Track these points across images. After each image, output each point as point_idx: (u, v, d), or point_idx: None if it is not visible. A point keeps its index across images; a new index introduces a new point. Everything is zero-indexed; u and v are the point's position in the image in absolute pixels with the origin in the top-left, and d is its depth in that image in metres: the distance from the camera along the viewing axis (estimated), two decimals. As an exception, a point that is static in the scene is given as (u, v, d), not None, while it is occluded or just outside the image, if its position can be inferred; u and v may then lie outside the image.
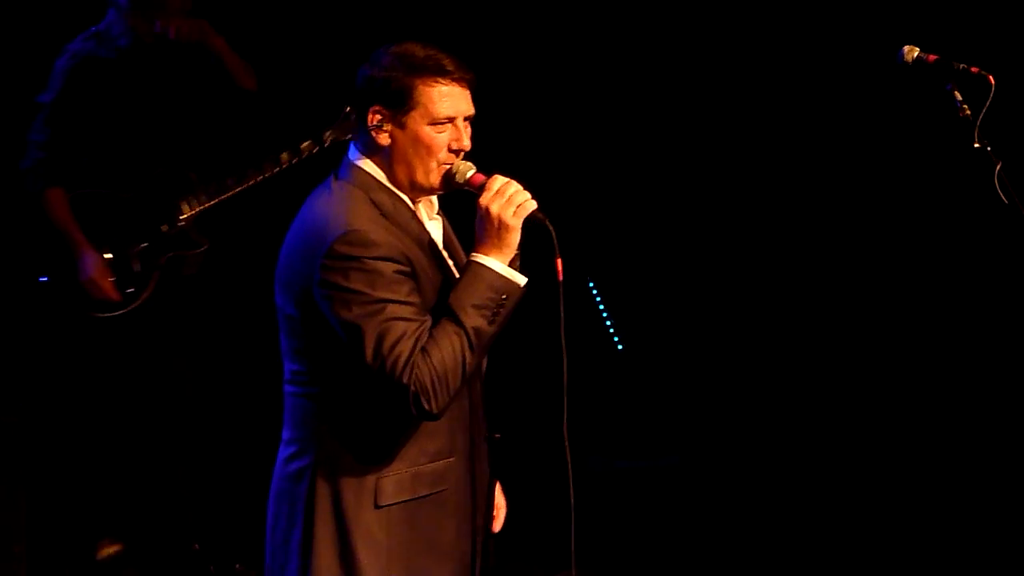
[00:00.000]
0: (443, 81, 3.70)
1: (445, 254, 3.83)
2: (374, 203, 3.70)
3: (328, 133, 5.58)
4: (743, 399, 6.16)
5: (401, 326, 3.61)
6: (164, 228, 5.67)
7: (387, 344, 3.60)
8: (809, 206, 6.27)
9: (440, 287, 3.74)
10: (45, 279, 5.59)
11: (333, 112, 5.51)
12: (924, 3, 6.35)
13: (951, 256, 6.40)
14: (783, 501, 5.74)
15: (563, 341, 3.69)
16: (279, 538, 3.81)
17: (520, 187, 3.72)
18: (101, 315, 5.62)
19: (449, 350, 3.63)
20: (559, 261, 3.71)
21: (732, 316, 6.48)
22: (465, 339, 3.65)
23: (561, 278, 3.71)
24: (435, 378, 3.62)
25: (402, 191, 3.77)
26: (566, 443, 3.73)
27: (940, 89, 4.59)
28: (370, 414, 3.71)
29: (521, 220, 3.70)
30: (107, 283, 5.64)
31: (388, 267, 3.63)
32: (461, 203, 3.82)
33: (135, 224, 5.70)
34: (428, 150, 3.72)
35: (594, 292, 6.59)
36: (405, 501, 3.75)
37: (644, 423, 5.21)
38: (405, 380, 3.60)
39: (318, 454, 3.73)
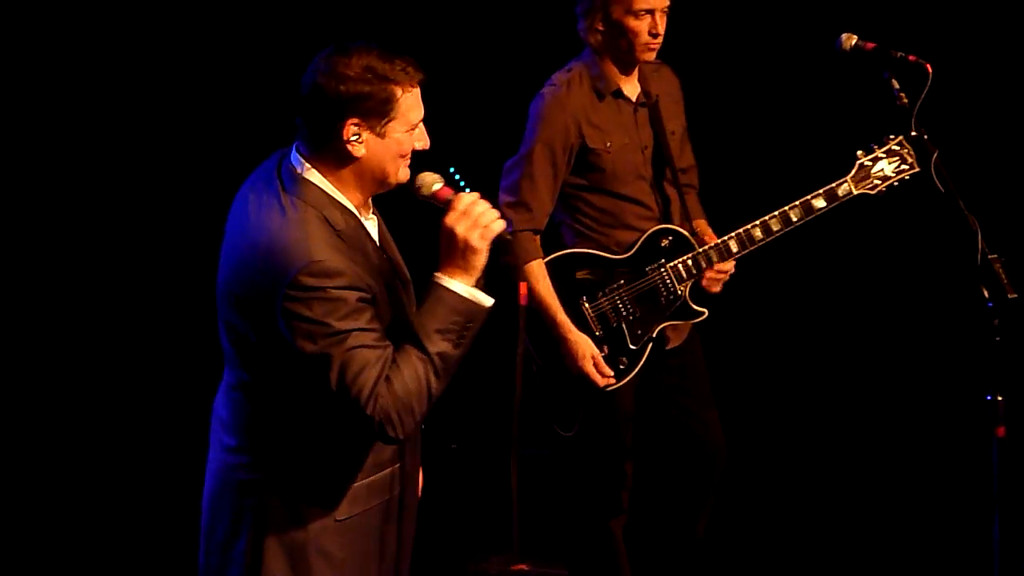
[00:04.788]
0: (415, 87, 3.64)
1: (390, 262, 3.76)
2: (328, 222, 3.61)
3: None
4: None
5: (363, 355, 3.53)
6: (662, 299, 5.07)
7: (350, 375, 3.52)
8: (746, 199, 6.27)
9: (393, 302, 3.68)
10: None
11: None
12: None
13: (889, 244, 6.42)
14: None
15: (518, 364, 3.74)
16: (217, 540, 3.74)
17: (487, 205, 3.62)
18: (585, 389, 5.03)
19: (413, 377, 3.56)
20: (523, 285, 3.71)
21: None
22: (430, 365, 3.57)
23: (524, 303, 3.71)
24: (400, 407, 3.55)
25: (353, 198, 3.68)
26: (514, 447, 3.78)
27: (878, 77, 4.60)
28: (329, 430, 3.65)
29: (488, 242, 3.61)
30: (602, 367, 5.01)
31: (351, 295, 3.54)
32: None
33: (630, 289, 5.06)
34: (402, 154, 3.65)
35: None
36: (359, 513, 3.71)
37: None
38: (369, 411, 3.53)
39: (272, 468, 3.66)
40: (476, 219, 3.59)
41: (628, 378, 5.01)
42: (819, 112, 6.36)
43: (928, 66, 4.53)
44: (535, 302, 4.95)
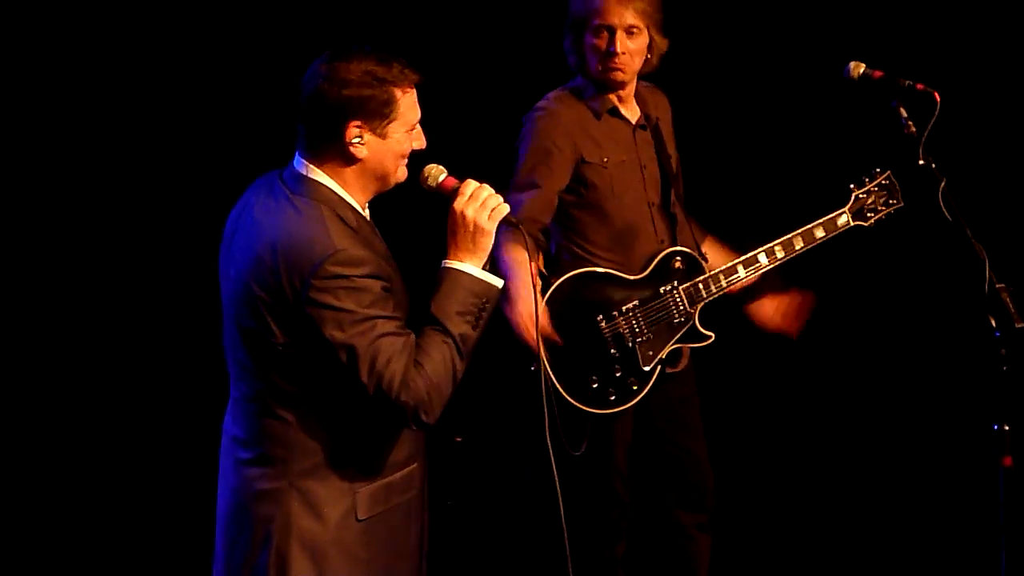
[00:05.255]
0: (412, 88, 3.76)
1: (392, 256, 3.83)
2: (341, 219, 3.71)
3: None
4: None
5: (392, 343, 3.62)
6: (676, 320, 5.04)
7: (381, 362, 3.60)
8: (751, 221, 6.26)
9: (403, 293, 3.76)
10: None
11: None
12: (870, 20, 6.36)
13: (897, 273, 6.41)
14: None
15: (539, 343, 3.89)
16: (238, 559, 3.76)
17: (492, 190, 3.77)
18: (595, 411, 4.99)
19: (440, 360, 3.66)
20: (533, 265, 3.88)
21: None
22: (454, 347, 3.68)
23: (537, 282, 3.80)
24: (430, 390, 3.64)
25: (357, 198, 3.77)
26: (549, 448, 3.87)
27: (886, 105, 4.60)
28: (349, 430, 3.71)
29: (495, 224, 3.75)
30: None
31: (375, 284, 3.64)
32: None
33: (645, 310, 5.05)
34: (402, 154, 3.76)
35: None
36: (380, 512, 3.76)
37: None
38: (403, 398, 3.61)
39: (293, 474, 3.71)
40: (484, 201, 3.74)
41: (636, 400, 5.01)
42: (827, 139, 6.35)
43: (936, 95, 4.54)
44: (503, 269, 4.81)
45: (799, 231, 5.10)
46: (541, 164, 4.97)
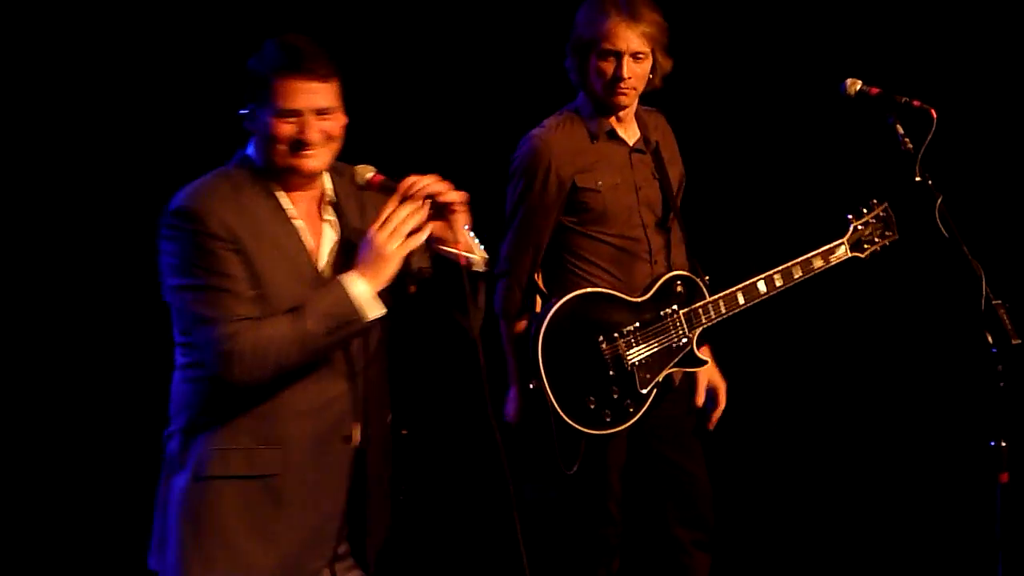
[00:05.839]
0: (292, 75, 3.78)
1: (311, 243, 3.87)
2: (235, 184, 3.83)
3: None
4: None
5: (224, 299, 3.73)
6: (672, 345, 5.06)
7: (211, 310, 3.73)
8: (751, 238, 6.27)
9: (284, 275, 3.80)
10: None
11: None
12: (866, 37, 6.37)
13: (893, 289, 6.41)
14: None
15: (487, 394, 3.81)
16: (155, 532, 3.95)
17: (417, 214, 3.76)
18: (591, 431, 4.98)
19: (279, 336, 3.72)
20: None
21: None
22: (297, 335, 3.72)
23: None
24: (257, 351, 3.71)
25: (277, 181, 3.87)
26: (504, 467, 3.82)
27: (882, 122, 4.60)
28: (211, 392, 3.80)
29: (403, 254, 3.76)
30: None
31: (211, 241, 3.74)
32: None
33: (645, 333, 5.05)
34: (274, 138, 3.80)
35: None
36: (229, 478, 3.80)
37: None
38: (224, 345, 3.71)
39: (173, 429, 3.87)
40: (396, 229, 3.75)
41: (632, 422, 5.02)
42: (822, 157, 6.36)
43: (933, 111, 4.54)
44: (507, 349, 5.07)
45: (797, 260, 5.13)
46: (529, 207, 5.01)
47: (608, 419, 4.99)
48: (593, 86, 5.00)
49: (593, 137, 5.04)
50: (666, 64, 5.02)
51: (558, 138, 5.02)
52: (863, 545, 6.35)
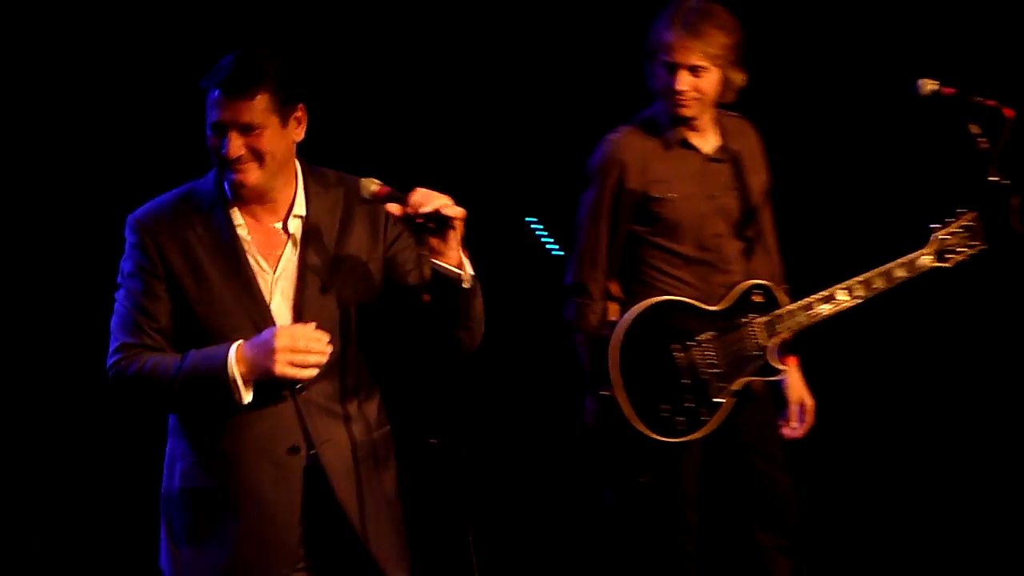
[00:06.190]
0: (215, 90, 3.81)
1: (259, 260, 3.89)
2: (194, 201, 3.90)
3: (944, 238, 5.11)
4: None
5: (129, 315, 3.85)
6: (748, 355, 5.02)
7: (115, 322, 3.87)
8: (822, 239, 6.26)
9: (220, 293, 3.85)
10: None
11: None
12: (941, 37, 6.34)
13: (965, 288, 6.38)
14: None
15: (460, 341, 3.82)
16: None
17: (320, 340, 3.78)
18: (664, 439, 4.96)
19: (155, 379, 3.81)
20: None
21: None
22: (166, 386, 3.79)
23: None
24: (133, 381, 3.82)
25: (235, 199, 3.91)
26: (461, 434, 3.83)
27: (956, 122, 4.59)
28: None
29: (287, 374, 3.76)
30: None
31: (139, 261, 3.85)
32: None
33: (720, 342, 5.02)
34: (210, 152, 3.85)
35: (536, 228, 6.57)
36: (191, 488, 3.89)
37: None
38: (109, 361, 3.86)
39: (168, 444, 3.99)
40: (302, 353, 3.78)
41: (706, 430, 5.01)
42: (899, 160, 6.33)
43: (1008, 111, 4.53)
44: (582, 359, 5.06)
45: (879, 270, 5.05)
46: (599, 214, 5.01)
47: (681, 427, 4.97)
48: (662, 97, 4.99)
49: (667, 145, 5.04)
50: (737, 78, 4.98)
51: (631, 146, 5.01)
52: (953, 552, 6.32)
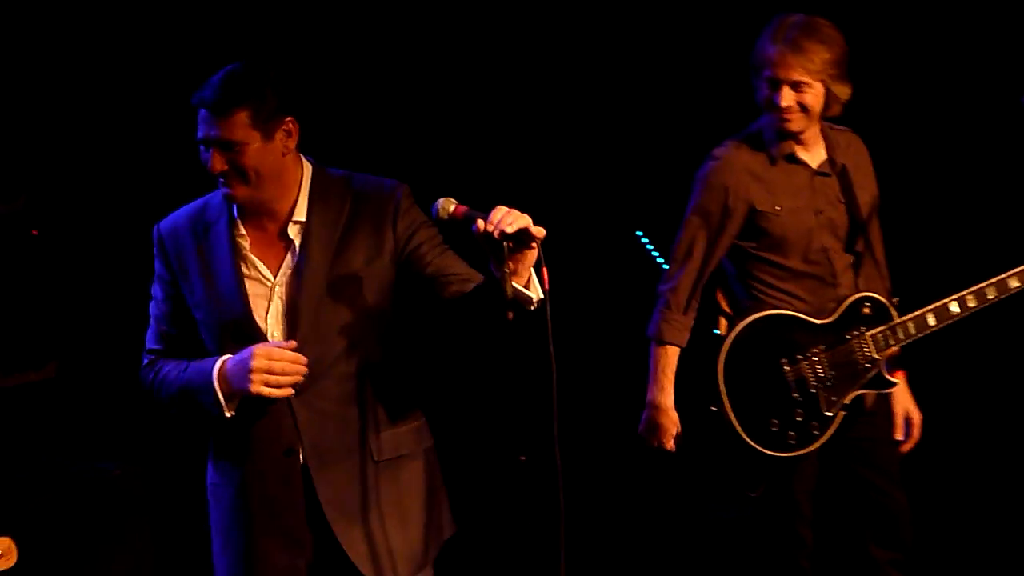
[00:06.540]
0: (198, 106, 3.91)
1: (261, 269, 3.98)
2: (212, 211, 4.02)
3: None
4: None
5: (151, 321, 4.07)
6: (859, 367, 5.01)
7: (148, 329, 4.09)
8: (932, 251, 6.22)
9: (218, 303, 3.97)
10: None
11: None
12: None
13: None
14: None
15: (552, 355, 3.76)
16: None
17: (297, 364, 3.88)
18: (775, 454, 4.97)
19: (167, 384, 3.99)
20: (544, 270, 3.76)
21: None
22: (174, 390, 3.98)
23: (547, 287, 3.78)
24: (151, 384, 4.04)
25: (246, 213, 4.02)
26: (557, 455, 3.77)
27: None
28: None
29: (261, 392, 3.87)
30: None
31: (158, 269, 4.07)
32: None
33: (830, 355, 5.02)
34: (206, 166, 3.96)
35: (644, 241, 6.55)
36: (214, 483, 4.09)
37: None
38: (140, 369, 4.08)
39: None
40: (270, 368, 3.88)
41: (818, 444, 4.99)
42: (1008, 168, 6.28)
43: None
44: (650, 376, 5.03)
45: (992, 281, 5.01)
46: (701, 221, 5.00)
47: (792, 441, 4.96)
48: (768, 111, 4.99)
49: (772, 160, 5.03)
50: (843, 93, 4.95)
51: (737, 161, 5.01)
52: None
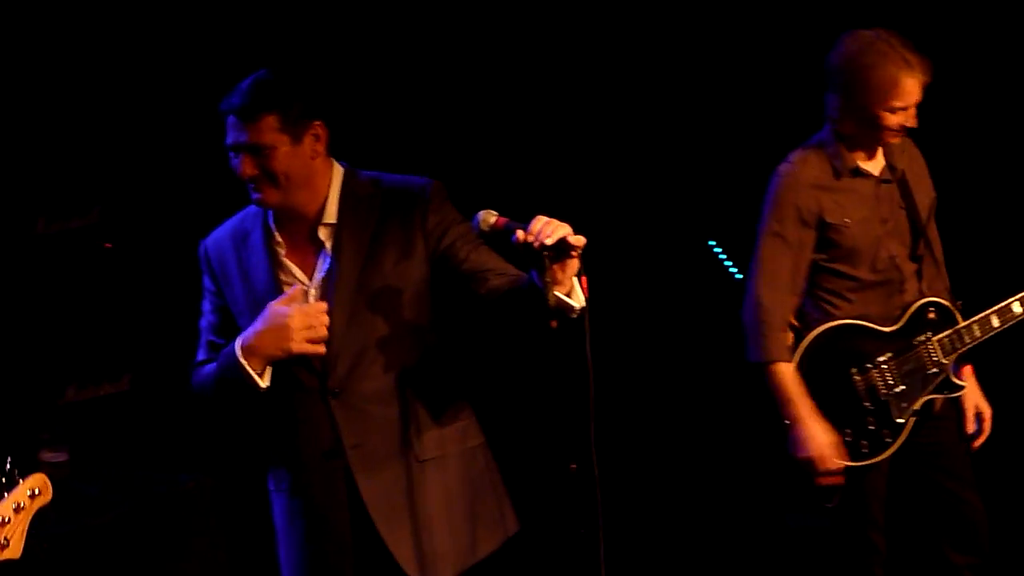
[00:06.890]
0: (225, 112, 3.97)
1: (298, 273, 4.05)
2: (249, 222, 4.09)
3: None
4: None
5: (199, 332, 4.17)
6: (927, 373, 5.04)
7: (199, 340, 4.18)
8: (990, 252, 6.15)
9: (253, 310, 4.02)
10: None
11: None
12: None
13: None
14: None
15: (589, 363, 3.72)
16: None
17: (320, 323, 3.94)
18: (849, 463, 4.96)
19: (207, 386, 4.08)
20: (584, 279, 3.74)
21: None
22: (212, 388, 4.06)
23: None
24: (199, 389, 4.11)
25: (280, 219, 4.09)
26: (593, 457, 3.76)
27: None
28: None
29: (303, 352, 3.94)
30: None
31: (205, 283, 4.16)
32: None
33: (898, 362, 5.03)
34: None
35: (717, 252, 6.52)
36: (272, 491, 4.16)
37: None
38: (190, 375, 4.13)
39: None
40: (309, 324, 3.94)
41: (890, 452, 4.98)
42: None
43: None
44: (778, 399, 4.94)
45: None
46: (778, 237, 4.98)
47: (865, 450, 4.98)
48: (872, 134, 4.96)
49: (837, 173, 5.00)
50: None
51: (803, 176, 5.00)
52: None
